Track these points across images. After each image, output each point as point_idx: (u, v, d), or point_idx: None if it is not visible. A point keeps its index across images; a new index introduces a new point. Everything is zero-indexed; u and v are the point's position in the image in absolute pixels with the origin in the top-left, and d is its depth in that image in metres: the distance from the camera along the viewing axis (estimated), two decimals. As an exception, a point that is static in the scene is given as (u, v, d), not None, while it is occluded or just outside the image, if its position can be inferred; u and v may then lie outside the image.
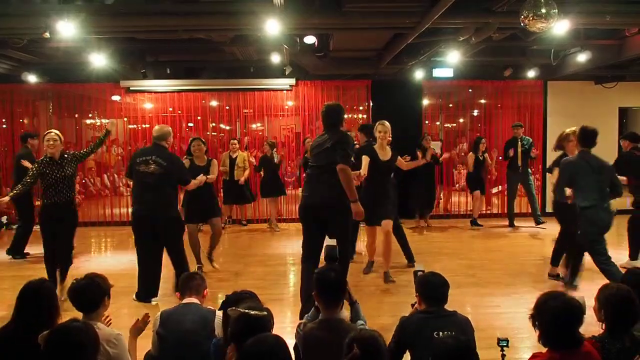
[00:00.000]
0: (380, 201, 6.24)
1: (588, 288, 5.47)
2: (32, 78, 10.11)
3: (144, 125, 11.36)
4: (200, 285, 3.51)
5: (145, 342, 3.39)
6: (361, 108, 11.37)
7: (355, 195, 4.80)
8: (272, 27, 6.39)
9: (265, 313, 2.63)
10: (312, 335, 2.93)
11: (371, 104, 10.89)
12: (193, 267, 6.39)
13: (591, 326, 2.64)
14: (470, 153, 9.94)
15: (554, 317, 2.52)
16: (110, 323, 3.28)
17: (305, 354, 2.95)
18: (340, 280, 3.07)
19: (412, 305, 3.45)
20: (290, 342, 3.13)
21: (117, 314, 4.57)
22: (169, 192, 5.71)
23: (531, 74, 10.41)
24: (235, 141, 9.92)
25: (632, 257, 6.89)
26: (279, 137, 12.66)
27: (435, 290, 3.15)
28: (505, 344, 2.96)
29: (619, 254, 6.70)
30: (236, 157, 9.73)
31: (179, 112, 11.11)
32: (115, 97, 11.09)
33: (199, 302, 3.41)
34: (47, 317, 2.86)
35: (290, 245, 8.79)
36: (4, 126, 11.12)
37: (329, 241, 3.88)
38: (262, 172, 10.11)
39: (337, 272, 3.10)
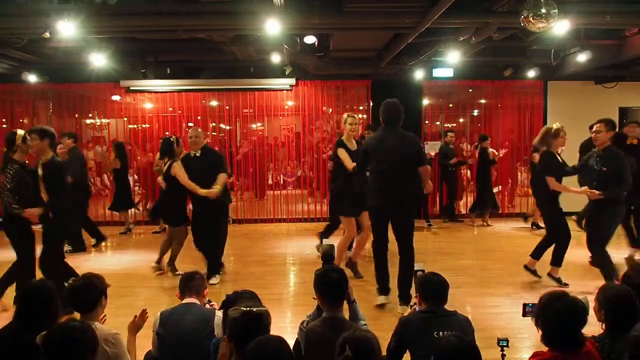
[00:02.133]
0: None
1: (589, 288, 5.50)
2: (32, 78, 10.10)
3: (144, 125, 11.36)
4: (200, 285, 3.52)
5: (146, 342, 3.39)
6: (361, 108, 11.36)
7: None
8: (272, 27, 6.39)
9: (266, 308, 2.64)
10: (315, 332, 2.95)
11: (371, 104, 10.89)
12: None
13: (591, 326, 2.63)
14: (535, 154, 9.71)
15: (557, 317, 2.51)
16: (105, 321, 3.27)
17: (307, 350, 2.96)
18: (343, 280, 3.09)
19: (411, 306, 3.45)
20: (290, 342, 3.15)
21: (117, 314, 4.56)
22: None
23: (531, 74, 10.41)
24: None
25: None
26: (280, 137, 12.65)
27: (436, 290, 3.15)
28: (505, 344, 2.96)
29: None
30: None
31: (179, 112, 11.09)
32: (116, 97, 11.09)
33: (198, 302, 3.42)
34: (48, 317, 2.86)
35: (290, 245, 8.79)
36: (4, 126, 11.11)
37: (326, 241, 3.92)
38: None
39: (339, 272, 3.14)
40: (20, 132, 5.44)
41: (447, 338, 2.48)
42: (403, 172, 5.25)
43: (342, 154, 6.25)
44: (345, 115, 6.52)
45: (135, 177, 11.87)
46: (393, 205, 5.31)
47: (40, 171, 5.26)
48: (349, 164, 6.09)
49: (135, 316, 3.35)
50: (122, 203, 9.77)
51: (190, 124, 11.12)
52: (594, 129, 5.85)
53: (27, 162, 5.52)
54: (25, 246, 5.26)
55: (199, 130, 6.65)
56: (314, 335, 2.95)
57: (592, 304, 2.82)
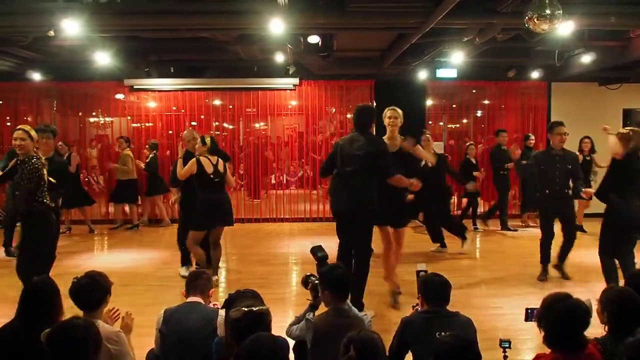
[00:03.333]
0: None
1: (592, 289, 5.49)
2: (36, 76, 10.13)
3: (147, 124, 11.38)
4: (206, 285, 3.52)
5: (149, 340, 3.40)
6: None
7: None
8: (276, 26, 6.39)
9: (267, 307, 2.66)
10: (323, 320, 3.17)
11: (374, 104, 10.88)
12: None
13: (592, 328, 2.62)
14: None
15: (560, 319, 2.51)
16: (118, 317, 3.30)
17: (315, 338, 3.10)
18: (346, 276, 3.36)
19: (413, 307, 3.45)
20: (292, 342, 3.17)
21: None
22: None
23: (535, 75, 10.39)
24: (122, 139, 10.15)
25: None
26: (282, 136, 12.66)
27: (438, 291, 3.16)
28: (507, 345, 2.96)
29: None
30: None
31: (182, 111, 11.12)
32: (119, 96, 11.11)
33: (202, 302, 3.42)
34: (51, 314, 2.87)
35: (292, 245, 8.80)
36: (8, 124, 11.13)
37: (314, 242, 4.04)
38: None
39: (343, 268, 3.41)
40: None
41: (444, 338, 2.47)
42: (362, 178, 4.95)
43: None
44: (386, 110, 5.61)
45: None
46: (349, 212, 5.00)
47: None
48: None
49: (123, 317, 3.37)
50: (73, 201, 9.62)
51: (194, 123, 11.16)
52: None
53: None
54: None
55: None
56: (321, 323, 3.14)
57: (595, 306, 2.81)
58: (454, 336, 2.47)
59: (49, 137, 5.82)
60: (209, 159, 6.19)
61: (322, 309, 3.39)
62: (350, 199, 5.02)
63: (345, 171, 5.05)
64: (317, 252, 3.84)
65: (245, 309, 2.61)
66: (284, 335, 3.34)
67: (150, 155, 10.19)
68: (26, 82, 10.41)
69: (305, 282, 3.59)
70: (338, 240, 5.15)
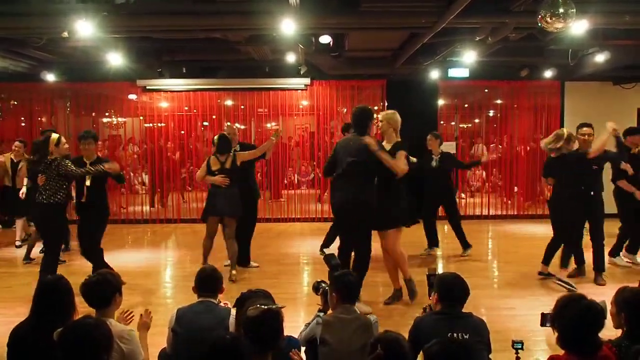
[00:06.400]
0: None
1: (604, 292, 5.43)
2: (50, 77, 10.22)
3: (159, 124, 11.45)
4: (218, 284, 3.53)
5: (161, 339, 3.42)
6: (376, 108, 11.33)
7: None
8: (288, 26, 6.40)
9: (284, 306, 2.71)
10: (332, 316, 3.34)
11: (386, 103, 10.86)
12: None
13: (606, 330, 2.60)
14: None
15: (574, 320, 2.48)
16: (132, 319, 3.32)
17: (323, 332, 3.21)
18: (357, 283, 3.54)
19: (424, 309, 3.45)
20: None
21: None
22: None
23: (548, 74, 10.30)
24: (20, 144, 8.48)
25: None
26: (294, 136, 12.69)
27: (452, 291, 3.13)
28: (520, 347, 2.94)
29: None
30: (19, 162, 8.38)
31: (195, 111, 11.17)
32: (132, 96, 11.19)
33: (214, 300, 3.44)
34: (64, 312, 2.90)
35: (304, 245, 8.80)
36: (23, 124, 11.27)
37: (329, 250, 4.23)
38: None
39: (354, 276, 3.54)
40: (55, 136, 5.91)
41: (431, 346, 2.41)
42: (351, 178, 5.16)
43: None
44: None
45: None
46: (343, 211, 5.24)
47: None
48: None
49: (141, 315, 3.39)
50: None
51: (205, 123, 11.21)
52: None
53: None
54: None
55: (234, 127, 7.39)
56: (330, 318, 3.30)
57: (609, 307, 2.79)
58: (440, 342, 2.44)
59: (91, 142, 6.17)
60: (217, 157, 6.55)
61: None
62: (339, 200, 5.27)
63: (338, 172, 5.29)
64: (331, 260, 4.06)
65: (263, 307, 2.64)
66: (295, 336, 3.37)
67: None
68: (40, 83, 10.51)
69: (316, 287, 3.70)
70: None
